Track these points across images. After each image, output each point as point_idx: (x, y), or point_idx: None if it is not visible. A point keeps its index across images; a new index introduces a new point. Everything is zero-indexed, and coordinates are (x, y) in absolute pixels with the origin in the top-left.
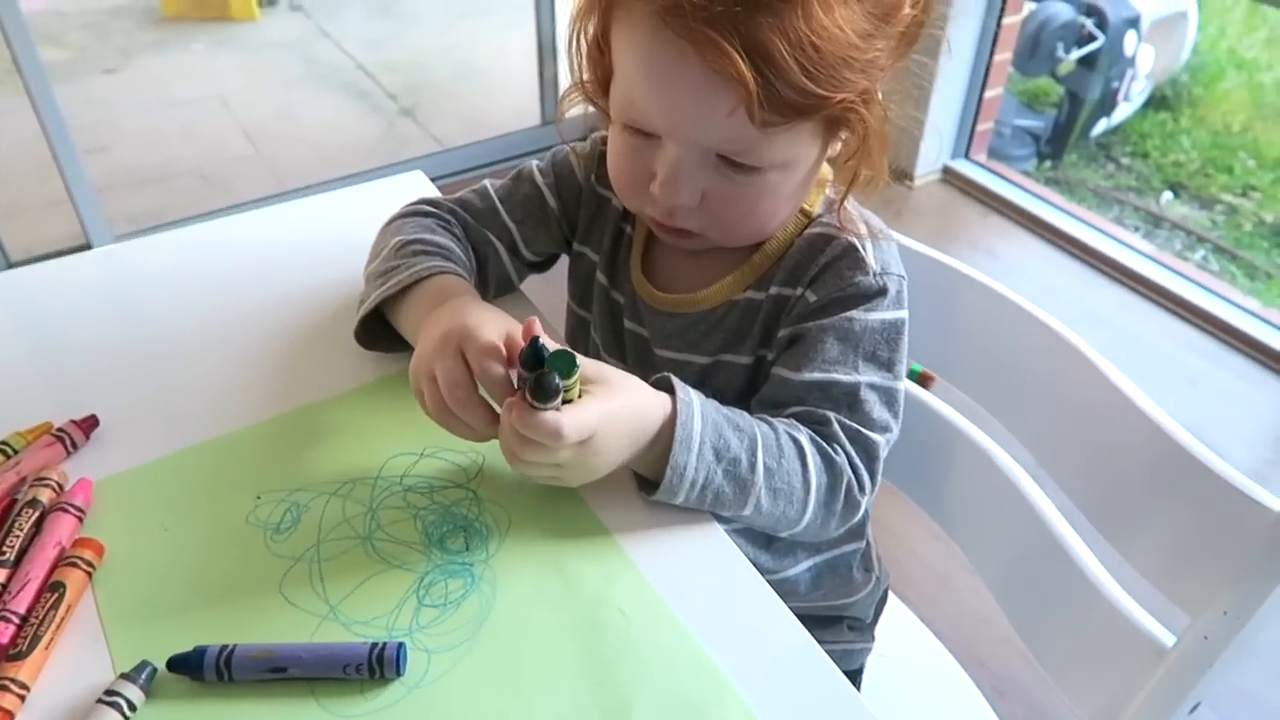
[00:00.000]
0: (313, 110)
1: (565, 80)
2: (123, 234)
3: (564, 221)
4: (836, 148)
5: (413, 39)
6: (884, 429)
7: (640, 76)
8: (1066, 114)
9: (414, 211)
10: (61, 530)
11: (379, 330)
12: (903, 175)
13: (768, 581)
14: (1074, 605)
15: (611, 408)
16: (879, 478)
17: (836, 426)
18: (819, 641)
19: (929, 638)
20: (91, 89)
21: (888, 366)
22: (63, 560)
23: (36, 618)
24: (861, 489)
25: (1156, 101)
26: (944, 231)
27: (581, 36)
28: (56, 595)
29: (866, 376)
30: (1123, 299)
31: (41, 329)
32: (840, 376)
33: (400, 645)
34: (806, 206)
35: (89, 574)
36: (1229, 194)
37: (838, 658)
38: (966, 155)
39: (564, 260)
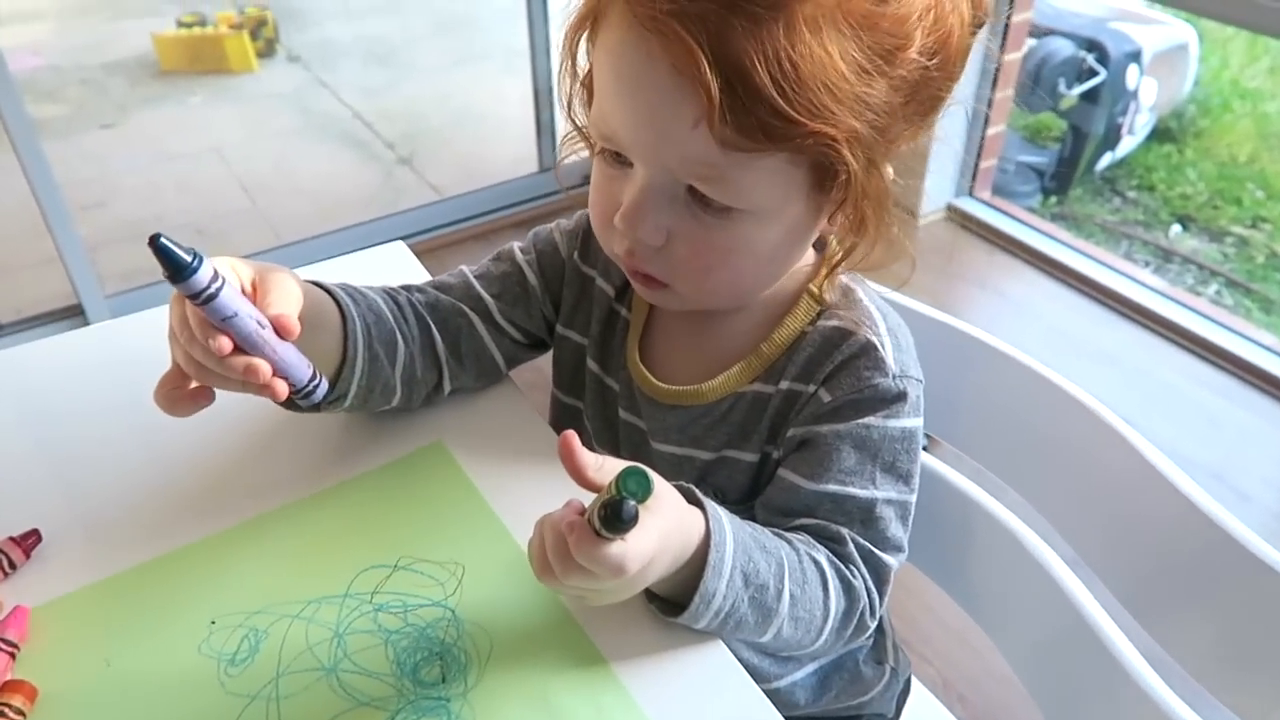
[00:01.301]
0: (310, 160)
1: (562, 126)
2: (114, 292)
3: (547, 300)
4: (835, 218)
5: (410, 87)
6: (897, 549)
7: (610, 82)
8: (1070, 149)
9: (378, 288)
10: None
11: None
12: (906, 213)
13: (771, 689)
14: (1111, 698)
15: (665, 527)
16: (887, 600)
17: (852, 546)
18: None
19: None
20: (88, 144)
21: (905, 479)
22: None
23: None
24: (873, 613)
25: (1161, 134)
26: (949, 271)
27: (572, 64)
28: None
29: (884, 492)
30: (1135, 336)
31: None
32: (856, 491)
33: None
34: (818, 293)
35: None
36: (1239, 225)
37: None
38: (970, 193)
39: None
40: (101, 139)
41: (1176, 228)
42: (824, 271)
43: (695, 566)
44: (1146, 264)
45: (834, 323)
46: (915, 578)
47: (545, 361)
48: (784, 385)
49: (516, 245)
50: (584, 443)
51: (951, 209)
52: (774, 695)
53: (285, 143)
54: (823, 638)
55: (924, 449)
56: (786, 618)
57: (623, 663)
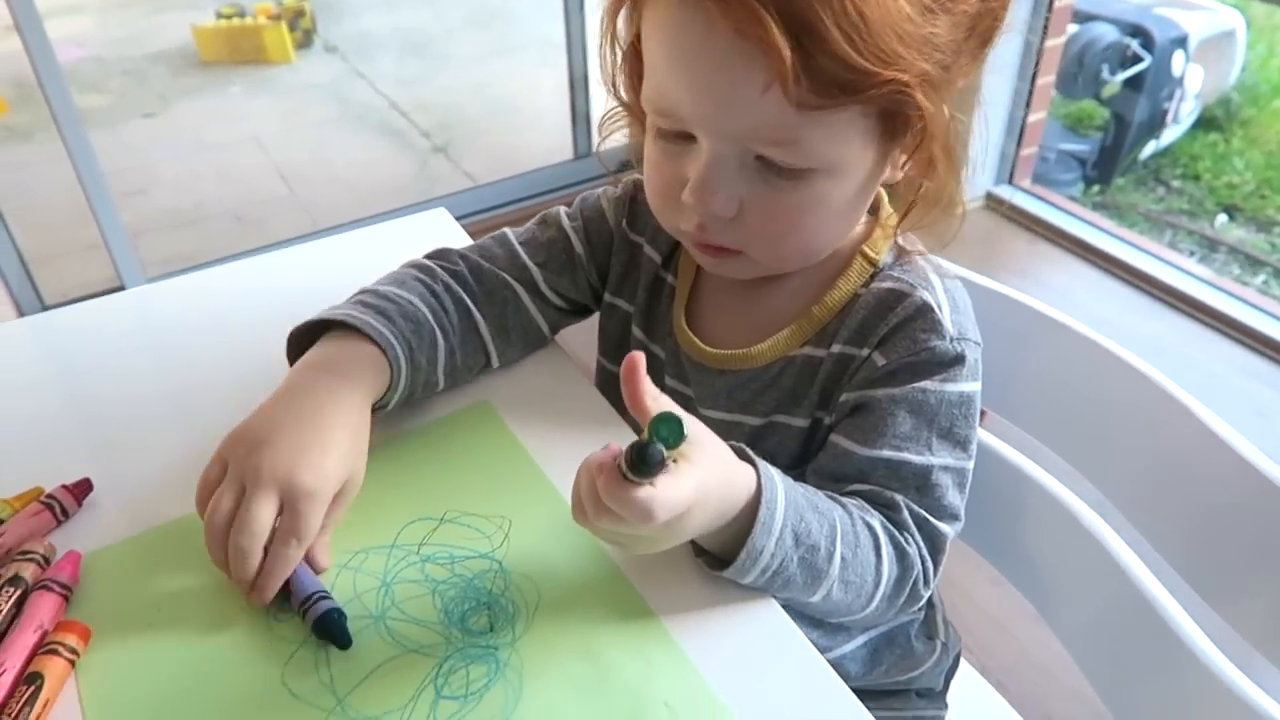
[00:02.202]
0: (346, 150)
1: (598, 115)
2: (155, 276)
3: (593, 269)
4: (899, 164)
5: (445, 78)
6: (953, 517)
7: (667, 58)
8: (1113, 137)
9: (415, 263)
10: (44, 611)
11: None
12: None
13: None
14: (1170, 675)
15: (707, 481)
16: (941, 569)
17: (907, 513)
18: (887, 711)
19: (998, 701)
20: (130, 133)
21: (962, 445)
22: (44, 646)
23: (9, 714)
24: (927, 583)
25: (1206, 122)
26: (990, 260)
27: (614, 39)
28: (34, 688)
29: (940, 458)
30: (1181, 326)
31: (51, 379)
32: (912, 456)
33: None
34: (872, 254)
35: (72, 662)
36: None
37: None
38: (1010, 181)
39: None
40: (143, 128)
41: (1223, 217)
42: (897, 219)
43: (744, 522)
44: (1191, 253)
45: (888, 285)
46: (955, 566)
47: (588, 328)
48: (836, 349)
49: (563, 210)
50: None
51: (991, 197)
52: None
53: (322, 132)
54: (873, 604)
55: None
56: (836, 580)
57: (672, 617)
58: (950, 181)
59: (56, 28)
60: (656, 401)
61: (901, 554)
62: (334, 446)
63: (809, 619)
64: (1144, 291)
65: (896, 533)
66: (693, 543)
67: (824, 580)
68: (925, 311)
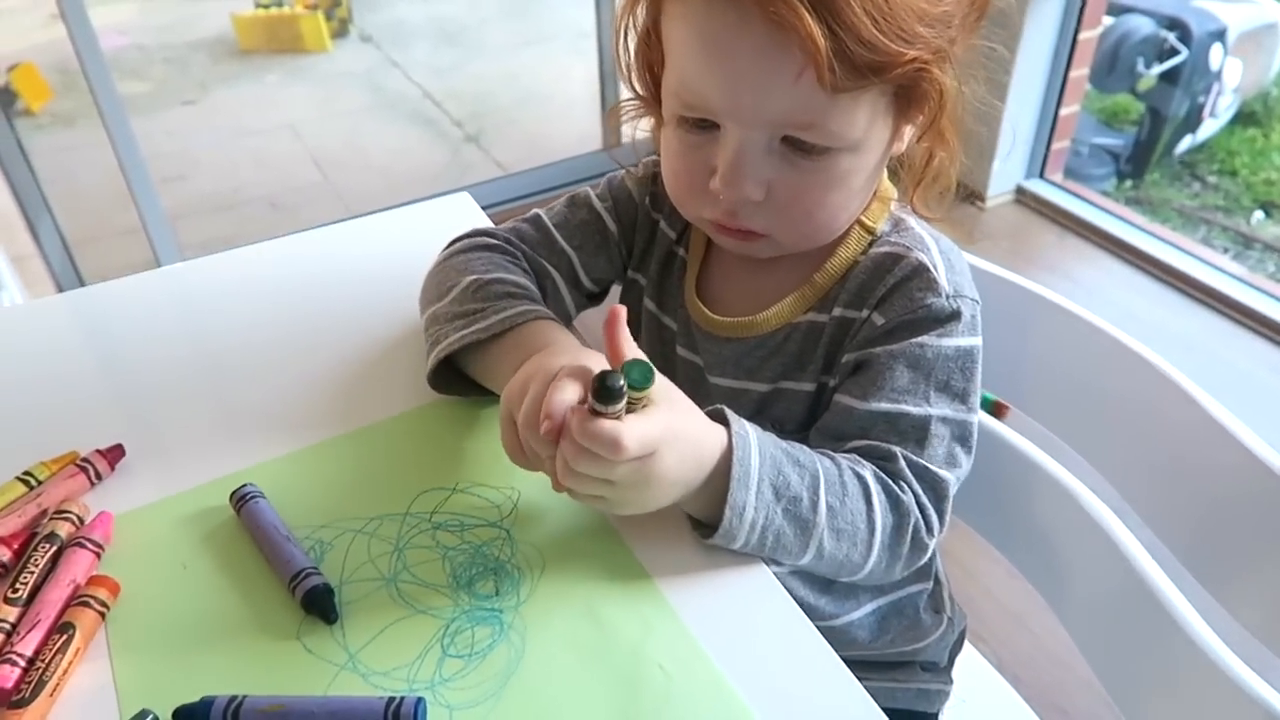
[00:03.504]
0: (380, 138)
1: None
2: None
3: (623, 246)
4: (906, 137)
5: (478, 67)
6: (953, 464)
7: (696, 48)
8: (1148, 131)
9: (476, 245)
10: (77, 567)
11: (450, 374)
12: (974, 196)
13: (829, 627)
14: (1171, 663)
15: (675, 424)
16: (947, 518)
17: (903, 463)
18: (891, 683)
19: (1006, 688)
20: (171, 120)
21: (961, 398)
22: (76, 599)
23: (43, 661)
24: (929, 530)
25: (1245, 117)
26: (1018, 254)
27: (630, 28)
28: (66, 637)
29: (938, 409)
30: (1212, 324)
31: (87, 351)
32: (909, 408)
33: (419, 701)
34: (870, 223)
35: (102, 614)
36: None
37: (913, 698)
38: (1041, 175)
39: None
40: (183, 115)
41: (1259, 214)
42: (910, 189)
43: (722, 483)
44: (1225, 250)
45: (885, 249)
46: (974, 562)
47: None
48: (837, 312)
49: (592, 191)
50: None
51: (1021, 191)
52: (831, 633)
53: (356, 120)
54: (873, 554)
55: (995, 417)
56: (826, 529)
57: (668, 580)
58: (957, 150)
59: (100, 16)
60: (632, 349)
61: (895, 501)
62: (575, 351)
63: (818, 583)
64: (1175, 288)
65: (890, 480)
66: (690, 518)
67: (813, 531)
68: (921, 271)
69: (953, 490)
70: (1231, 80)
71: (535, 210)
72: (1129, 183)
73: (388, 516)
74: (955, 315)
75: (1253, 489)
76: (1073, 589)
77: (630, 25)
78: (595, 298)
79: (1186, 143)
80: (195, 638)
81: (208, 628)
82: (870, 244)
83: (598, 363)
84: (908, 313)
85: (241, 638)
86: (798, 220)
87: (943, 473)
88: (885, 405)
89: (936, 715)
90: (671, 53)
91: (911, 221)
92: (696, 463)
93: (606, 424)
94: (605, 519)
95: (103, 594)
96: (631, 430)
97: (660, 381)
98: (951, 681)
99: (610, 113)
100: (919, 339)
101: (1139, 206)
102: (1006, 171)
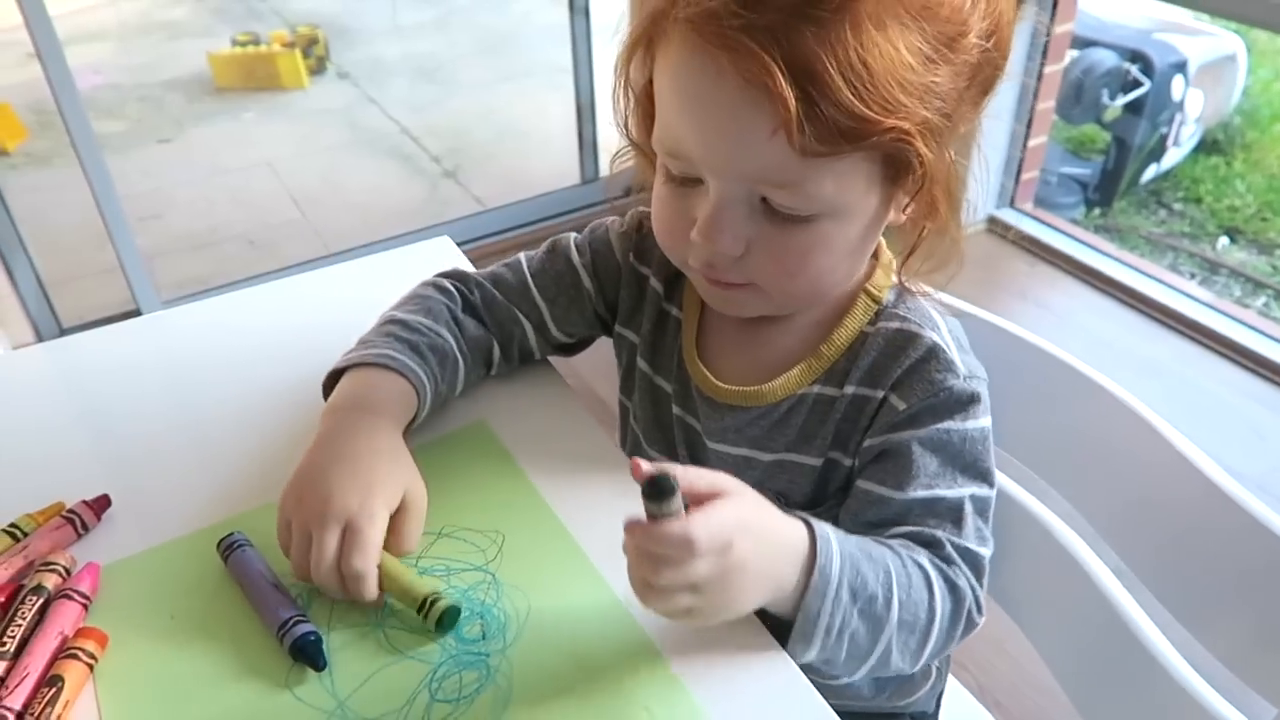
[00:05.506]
0: (358, 174)
1: (605, 140)
2: (170, 299)
3: (601, 303)
4: (902, 206)
5: (455, 103)
6: (983, 541)
7: (677, 99)
8: (1114, 160)
9: (438, 285)
10: (65, 619)
11: None
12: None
13: (829, 687)
14: (1146, 693)
15: (746, 514)
16: (985, 591)
17: (950, 548)
18: None
19: (988, 717)
20: (147, 159)
21: (984, 476)
22: (64, 651)
23: (32, 715)
24: (979, 609)
25: (1208, 146)
26: (990, 282)
27: (626, 82)
28: (54, 690)
29: (968, 489)
30: (1180, 348)
31: (69, 401)
32: (944, 492)
33: None
34: (876, 292)
35: (90, 666)
36: None
37: None
38: (1012, 204)
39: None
40: (159, 153)
41: (1224, 240)
42: (901, 258)
43: (800, 582)
44: (1192, 276)
45: (895, 325)
46: None
47: (596, 354)
48: (850, 390)
49: (573, 241)
50: (630, 443)
51: (993, 220)
52: (829, 690)
53: (334, 157)
54: (930, 642)
55: None
56: (896, 625)
57: (654, 625)
58: (952, 222)
59: (75, 55)
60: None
61: (952, 586)
62: (374, 474)
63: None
64: (1143, 313)
65: (945, 566)
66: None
67: (885, 628)
68: (937, 353)
69: (988, 565)
70: (1194, 110)
71: (520, 254)
72: (1097, 211)
73: None
74: (975, 397)
75: (1215, 520)
76: (1051, 622)
77: (626, 79)
78: (569, 347)
79: (1152, 171)
80: (184, 688)
81: (196, 677)
82: (877, 314)
83: (390, 499)
84: (930, 396)
85: (231, 686)
86: (780, 280)
87: (981, 550)
88: (921, 493)
89: None
90: (659, 102)
91: (915, 294)
92: (779, 555)
93: (673, 525)
94: (590, 563)
95: (91, 646)
96: (700, 522)
97: (710, 478)
98: None
99: (612, 160)
100: (944, 424)
101: (1108, 234)
102: (977, 201)
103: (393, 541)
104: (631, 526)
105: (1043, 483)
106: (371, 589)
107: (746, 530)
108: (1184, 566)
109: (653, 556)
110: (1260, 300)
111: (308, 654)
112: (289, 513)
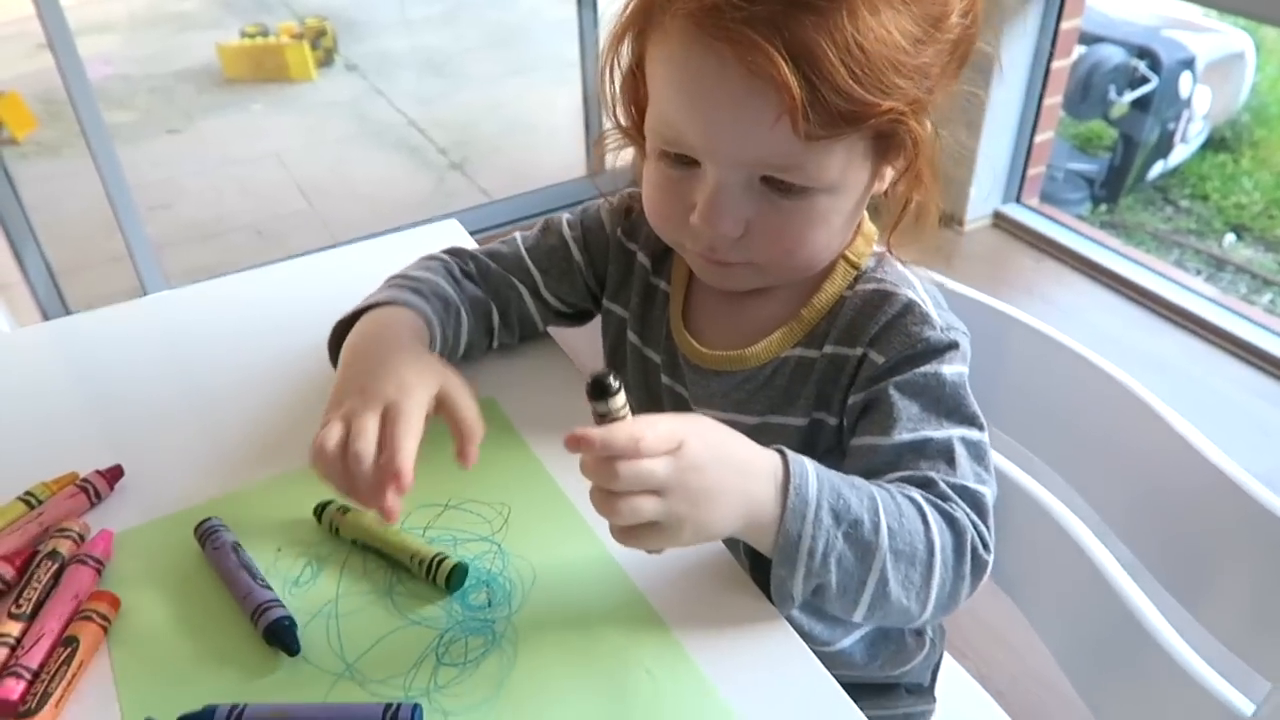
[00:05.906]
0: (365, 166)
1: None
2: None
3: (591, 276)
4: (887, 178)
5: (463, 96)
6: (983, 481)
7: (676, 91)
8: (1121, 157)
9: (434, 256)
10: (79, 583)
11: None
12: (952, 220)
13: (821, 654)
14: (1144, 671)
15: (703, 426)
16: (993, 533)
17: (943, 485)
18: (877, 709)
19: (990, 704)
20: (156, 149)
21: (971, 420)
22: (79, 614)
23: (48, 673)
24: (985, 546)
25: (1215, 143)
26: (996, 277)
27: (615, 66)
28: (70, 650)
29: (956, 431)
30: (1186, 345)
31: (80, 376)
32: (931, 433)
33: (415, 707)
34: (854, 258)
35: (104, 628)
36: None
37: None
38: (1018, 200)
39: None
40: (168, 144)
41: (1231, 237)
42: (888, 229)
43: (776, 509)
44: (1198, 272)
45: (872, 286)
46: None
47: (591, 333)
48: (828, 349)
49: (565, 219)
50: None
51: (998, 215)
52: (824, 658)
53: (342, 148)
54: (935, 576)
55: None
56: (888, 552)
57: (655, 590)
58: (936, 192)
59: (86, 45)
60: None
61: (950, 519)
62: (405, 368)
63: (809, 609)
64: (1149, 309)
65: (940, 501)
66: (753, 572)
67: (876, 554)
68: (912, 308)
69: (991, 505)
70: (1201, 107)
71: (515, 233)
72: (1104, 207)
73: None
74: (953, 345)
75: (1221, 506)
76: (1051, 603)
77: (615, 62)
78: (567, 317)
79: (1159, 168)
80: (195, 649)
81: (207, 639)
82: (855, 279)
83: (427, 385)
84: (907, 348)
85: (241, 648)
86: (779, 257)
87: (980, 488)
88: (907, 436)
89: None
90: (654, 91)
91: (892, 259)
92: (748, 473)
93: (619, 427)
94: (594, 534)
95: (104, 608)
96: (645, 420)
97: (690, 414)
98: (934, 701)
99: (596, 142)
100: (922, 369)
101: (1114, 230)
102: (984, 196)
103: (455, 431)
104: (575, 437)
105: (1050, 471)
106: (408, 471)
107: (705, 441)
108: (1189, 551)
109: (607, 466)
110: (1266, 297)
111: (282, 639)
112: (329, 413)
